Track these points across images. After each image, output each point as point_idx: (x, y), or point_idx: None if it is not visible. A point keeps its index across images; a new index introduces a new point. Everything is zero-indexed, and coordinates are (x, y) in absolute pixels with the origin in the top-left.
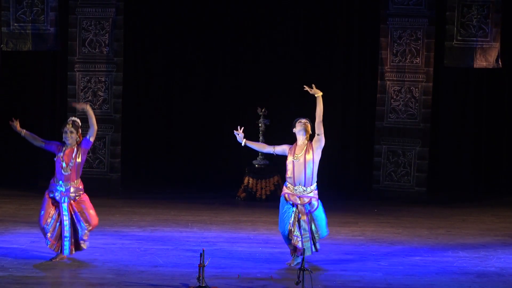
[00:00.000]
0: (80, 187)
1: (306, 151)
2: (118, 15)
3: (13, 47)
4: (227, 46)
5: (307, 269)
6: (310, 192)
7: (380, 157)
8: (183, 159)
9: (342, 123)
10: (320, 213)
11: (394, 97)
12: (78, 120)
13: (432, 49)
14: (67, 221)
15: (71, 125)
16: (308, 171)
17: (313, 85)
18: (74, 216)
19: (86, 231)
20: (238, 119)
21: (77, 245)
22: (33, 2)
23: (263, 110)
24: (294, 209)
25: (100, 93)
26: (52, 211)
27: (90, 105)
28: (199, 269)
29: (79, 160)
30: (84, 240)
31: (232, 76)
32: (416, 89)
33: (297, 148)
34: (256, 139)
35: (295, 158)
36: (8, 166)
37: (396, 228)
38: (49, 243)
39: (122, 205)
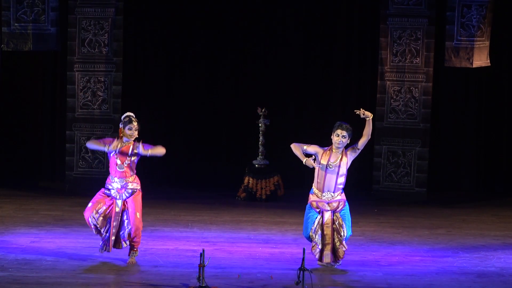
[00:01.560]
0: (137, 182)
1: (341, 160)
2: (117, 15)
3: (13, 47)
4: (227, 46)
5: (307, 269)
6: (337, 196)
7: (380, 157)
8: (183, 159)
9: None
10: (346, 212)
11: (394, 97)
12: None
13: (432, 49)
14: (117, 218)
15: (136, 121)
16: (339, 180)
17: (362, 109)
18: (124, 213)
19: (127, 232)
20: (238, 119)
21: (117, 242)
22: (34, 2)
23: (263, 110)
24: (319, 216)
25: (99, 93)
26: (101, 206)
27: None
28: (199, 269)
29: (134, 158)
30: (125, 240)
31: (232, 76)
32: (416, 89)
33: (332, 156)
34: (256, 139)
35: (330, 166)
36: (8, 166)
37: (396, 228)
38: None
39: None
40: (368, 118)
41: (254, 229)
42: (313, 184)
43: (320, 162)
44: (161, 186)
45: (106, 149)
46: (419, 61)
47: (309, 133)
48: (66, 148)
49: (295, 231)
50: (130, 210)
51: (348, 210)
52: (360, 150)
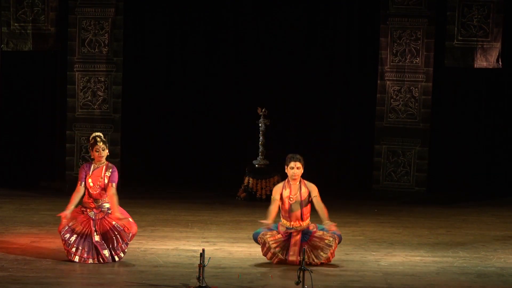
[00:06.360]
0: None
1: (301, 190)
2: (118, 15)
3: (13, 47)
4: (227, 46)
5: (307, 269)
6: (306, 223)
7: (380, 157)
8: (183, 159)
9: (342, 123)
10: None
11: (394, 97)
12: (102, 135)
13: (432, 49)
14: (99, 236)
15: (101, 141)
16: (305, 210)
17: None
18: (111, 229)
19: (125, 240)
20: (238, 119)
21: (100, 255)
22: (34, 2)
23: (263, 110)
24: (275, 232)
25: (99, 93)
26: (74, 221)
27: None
28: (199, 269)
29: (106, 181)
30: (121, 250)
31: (232, 76)
32: (416, 89)
33: (292, 189)
34: (256, 139)
35: (291, 200)
36: (8, 166)
37: (396, 228)
38: (69, 254)
39: (122, 205)
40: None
41: (254, 229)
42: (281, 215)
43: (283, 200)
44: (161, 186)
45: (83, 188)
46: (419, 61)
47: (309, 132)
48: (66, 148)
49: None
50: (120, 222)
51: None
52: (311, 203)
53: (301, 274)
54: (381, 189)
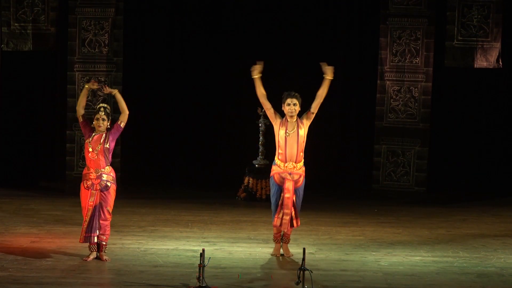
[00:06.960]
0: (112, 175)
1: (298, 127)
2: (118, 15)
3: (13, 47)
4: (227, 46)
5: (307, 269)
6: (300, 169)
7: (380, 157)
8: (183, 159)
9: (341, 123)
10: (302, 191)
11: (394, 97)
12: (109, 107)
13: (432, 49)
14: (91, 208)
15: (103, 112)
16: (300, 147)
17: (329, 68)
18: (96, 206)
19: (97, 225)
20: (238, 119)
21: (88, 236)
22: (34, 2)
23: (263, 110)
24: (280, 190)
25: (99, 93)
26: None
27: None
28: (199, 269)
29: (107, 145)
30: (97, 235)
31: (233, 76)
32: (416, 89)
33: (289, 125)
34: (256, 139)
35: (288, 134)
36: (8, 166)
37: (396, 228)
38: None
39: (122, 205)
40: (328, 78)
41: (254, 229)
42: (275, 157)
43: (279, 132)
44: (161, 186)
45: (81, 119)
46: (418, 61)
47: (309, 132)
48: (66, 148)
49: (295, 231)
50: (103, 204)
51: (303, 189)
52: (314, 114)
53: (301, 274)
54: (381, 189)
